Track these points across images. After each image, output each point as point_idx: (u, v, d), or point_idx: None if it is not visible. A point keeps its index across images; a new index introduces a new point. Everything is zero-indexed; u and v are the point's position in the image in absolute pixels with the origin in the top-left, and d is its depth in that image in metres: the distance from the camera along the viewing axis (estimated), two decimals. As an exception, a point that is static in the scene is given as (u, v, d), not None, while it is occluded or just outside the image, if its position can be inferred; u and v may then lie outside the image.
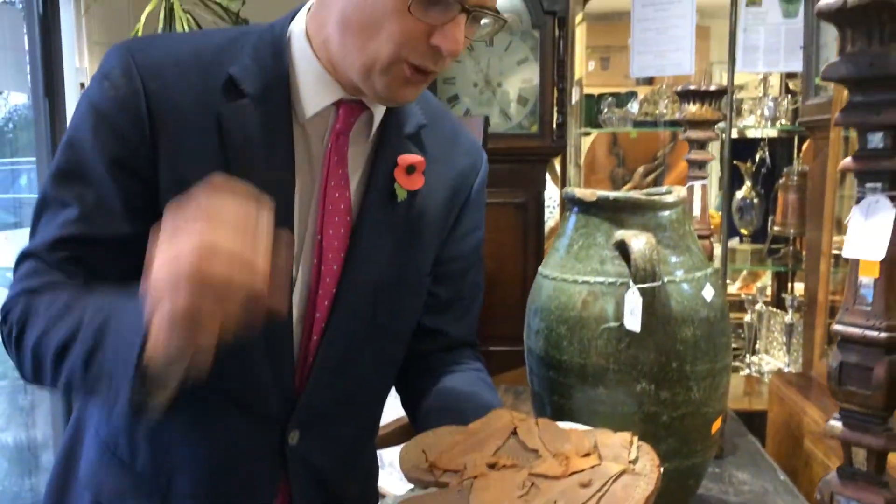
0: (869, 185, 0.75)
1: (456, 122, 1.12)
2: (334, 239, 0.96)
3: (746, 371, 3.01)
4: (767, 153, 3.11)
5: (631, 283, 1.07)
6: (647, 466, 0.86)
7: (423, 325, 1.10)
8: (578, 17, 3.40)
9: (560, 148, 3.03)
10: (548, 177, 3.50)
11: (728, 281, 3.19)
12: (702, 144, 1.60)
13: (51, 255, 0.89)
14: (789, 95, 2.94)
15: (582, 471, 0.86)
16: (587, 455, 0.89)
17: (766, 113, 2.86)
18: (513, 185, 2.92)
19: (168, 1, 2.64)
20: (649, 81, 3.57)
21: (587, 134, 3.47)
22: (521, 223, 2.94)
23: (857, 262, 0.77)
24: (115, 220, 0.89)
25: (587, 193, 1.15)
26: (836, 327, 0.80)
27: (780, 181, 2.93)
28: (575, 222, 1.18)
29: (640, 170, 3.77)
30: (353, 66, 0.89)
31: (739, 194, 3.11)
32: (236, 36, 0.96)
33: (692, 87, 1.57)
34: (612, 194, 1.14)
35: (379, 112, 0.99)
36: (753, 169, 3.09)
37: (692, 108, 1.58)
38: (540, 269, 1.21)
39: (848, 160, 0.78)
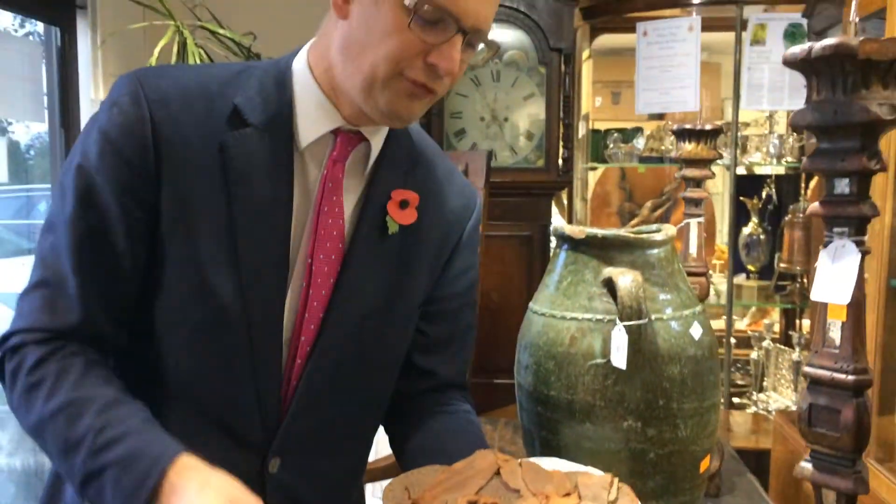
0: (836, 229, 0.76)
1: (450, 164, 1.14)
2: (325, 264, 0.98)
3: (753, 409, 2.99)
4: (774, 190, 3.11)
5: (617, 321, 1.08)
6: None
7: (414, 365, 1.11)
8: (586, 53, 3.44)
9: (566, 182, 3.05)
10: (555, 210, 3.53)
11: (735, 317, 3.18)
12: (698, 182, 1.61)
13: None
14: (794, 133, 2.95)
15: None
16: (567, 495, 0.89)
17: (772, 150, 2.87)
18: (518, 218, 2.94)
19: (181, 35, 2.69)
20: (660, 116, 3.60)
21: (593, 168, 3.50)
22: (526, 256, 2.96)
23: (825, 305, 0.78)
24: (116, 244, 0.92)
25: (576, 231, 1.16)
26: (806, 369, 0.80)
27: (787, 218, 2.93)
28: (564, 259, 1.19)
29: (648, 204, 3.77)
30: (354, 86, 0.92)
31: (746, 230, 3.11)
32: (242, 69, 1.00)
33: (688, 126, 1.58)
34: (601, 232, 1.15)
35: (376, 144, 1.01)
36: (760, 205, 3.10)
37: (688, 147, 1.59)
38: (530, 304, 1.22)
39: (816, 205, 0.79)
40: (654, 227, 1.23)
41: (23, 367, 0.91)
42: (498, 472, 0.96)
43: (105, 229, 0.92)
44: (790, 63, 0.75)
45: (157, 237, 0.93)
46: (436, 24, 0.87)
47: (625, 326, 1.07)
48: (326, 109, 0.97)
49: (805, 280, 2.93)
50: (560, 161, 2.96)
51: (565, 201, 3.56)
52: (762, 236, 3.08)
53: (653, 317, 1.11)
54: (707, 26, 2.90)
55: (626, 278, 1.08)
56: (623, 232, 1.17)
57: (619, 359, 1.08)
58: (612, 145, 3.13)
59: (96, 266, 0.92)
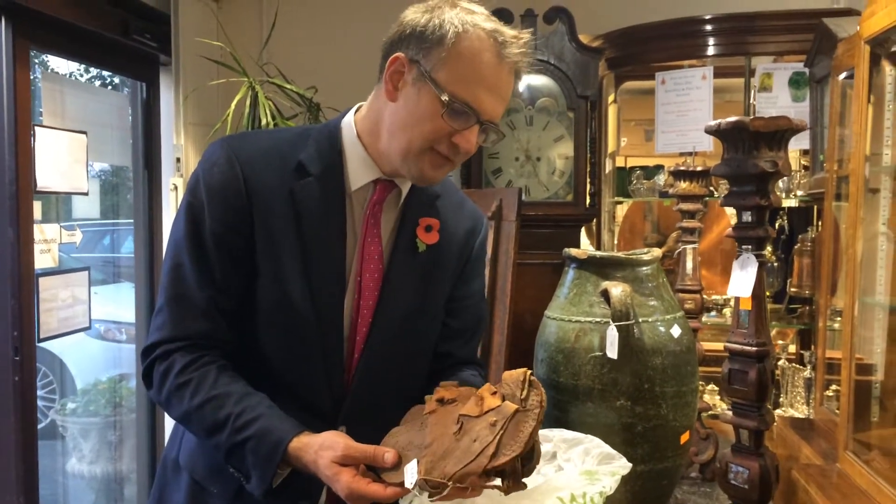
0: (744, 246, 1.07)
1: (462, 195, 1.47)
2: (370, 280, 1.30)
3: (771, 423, 3.21)
4: (786, 221, 3.37)
5: (611, 322, 1.39)
6: (534, 402, 1.01)
7: (438, 350, 1.42)
8: (611, 98, 3.76)
9: (592, 214, 3.36)
10: (587, 241, 3.83)
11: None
12: (692, 214, 1.92)
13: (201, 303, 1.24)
14: (803, 170, 3.22)
15: (492, 409, 1.04)
16: (495, 393, 1.07)
17: (781, 185, 3.14)
18: (550, 248, 3.24)
19: (253, 90, 3.09)
20: (689, 154, 3.89)
21: (619, 202, 3.80)
22: (557, 281, 3.25)
23: (738, 298, 1.09)
24: (221, 264, 1.24)
25: (580, 252, 1.49)
26: (727, 344, 1.11)
27: (797, 246, 3.19)
28: (572, 275, 1.51)
29: (674, 234, 4.05)
30: (394, 153, 1.25)
31: (761, 259, 3.37)
32: (301, 132, 1.34)
33: (682, 168, 1.90)
34: (599, 253, 1.48)
35: (405, 188, 1.35)
36: (774, 235, 3.35)
37: (683, 185, 1.91)
38: (546, 311, 1.55)
39: (730, 229, 1.10)
40: (645, 250, 1.55)
41: (171, 371, 1.23)
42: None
43: (209, 254, 1.23)
44: (710, 132, 1.06)
45: (253, 262, 1.24)
46: (461, 115, 1.19)
47: (616, 326, 1.39)
48: (368, 164, 1.30)
49: (813, 304, 3.17)
50: (587, 196, 3.27)
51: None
52: (776, 263, 3.34)
53: (640, 319, 1.42)
54: (720, 73, 3.20)
55: (617, 289, 1.40)
56: (617, 253, 1.49)
57: (612, 352, 1.39)
58: (635, 181, 3.43)
59: (209, 283, 1.24)
